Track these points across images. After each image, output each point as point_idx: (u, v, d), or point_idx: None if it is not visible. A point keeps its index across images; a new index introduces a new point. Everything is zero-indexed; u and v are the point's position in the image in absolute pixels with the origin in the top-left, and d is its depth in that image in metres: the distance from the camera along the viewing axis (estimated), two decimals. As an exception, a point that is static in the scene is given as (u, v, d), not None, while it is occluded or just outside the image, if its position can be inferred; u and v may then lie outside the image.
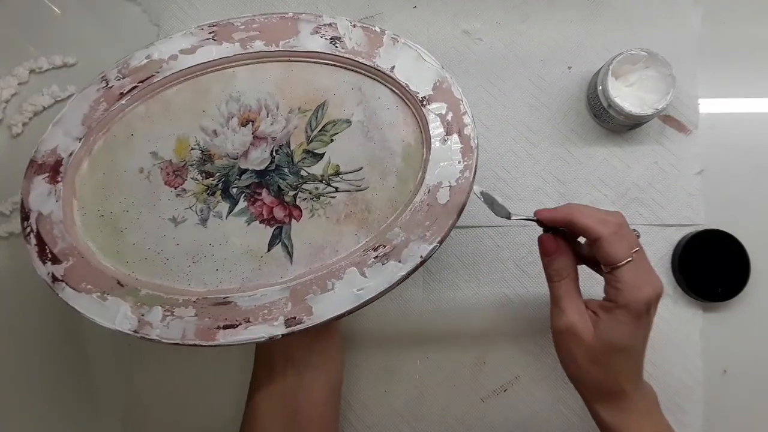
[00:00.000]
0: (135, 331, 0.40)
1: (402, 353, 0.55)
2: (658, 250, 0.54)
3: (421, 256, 0.40)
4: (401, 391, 0.54)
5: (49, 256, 0.41)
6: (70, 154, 0.43)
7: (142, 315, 0.40)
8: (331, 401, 0.44)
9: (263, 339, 0.40)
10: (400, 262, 0.40)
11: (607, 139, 0.56)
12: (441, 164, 0.42)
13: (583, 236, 0.40)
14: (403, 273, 0.40)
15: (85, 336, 0.56)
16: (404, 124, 0.43)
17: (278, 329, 0.40)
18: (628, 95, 0.51)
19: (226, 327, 0.40)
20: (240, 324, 0.40)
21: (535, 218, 0.42)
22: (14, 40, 0.58)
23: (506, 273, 0.55)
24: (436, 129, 0.42)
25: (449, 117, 0.42)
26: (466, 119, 0.42)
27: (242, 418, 0.45)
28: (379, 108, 0.44)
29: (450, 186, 0.41)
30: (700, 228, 0.53)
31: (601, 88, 0.52)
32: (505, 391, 0.53)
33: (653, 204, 0.55)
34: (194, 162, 0.43)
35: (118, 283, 0.41)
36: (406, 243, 0.41)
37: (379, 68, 0.43)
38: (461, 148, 0.42)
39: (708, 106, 0.55)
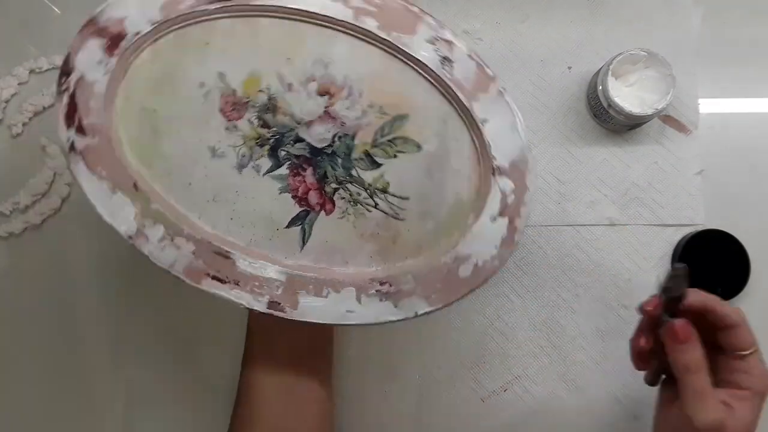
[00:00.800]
0: (129, 237, 0.40)
1: (402, 353, 0.55)
2: (658, 250, 0.55)
3: (416, 313, 0.41)
4: (401, 391, 0.55)
5: (77, 123, 0.40)
6: (137, 33, 0.41)
7: (144, 226, 0.40)
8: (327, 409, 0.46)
9: (242, 306, 0.40)
10: (396, 307, 0.41)
11: (607, 139, 0.57)
12: (480, 239, 0.42)
13: (719, 323, 0.40)
14: (393, 319, 0.41)
15: (85, 336, 0.56)
16: (467, 179, 0.43)
17: (260, 306, 0.40)
18: (628, 95, 0.52)
19: (214, 278, 0.40)
20: (228, 282, 0.40)
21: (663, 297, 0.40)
22: (14, 40, 0.58)
23: (506, 272, 0.56)
24: (493, 203, 0.42)
25: (510, 199, 0.42)
26: (523, 211, 0.42)
27: (237, 395, 0.45)
28: (453, 151, 0.43)
29: (476, 264, 0.41)
30: (700, 228, 0.54)
31: (601, 88, 0.52)
32: (505, 391, 0.54)
33: (653, 204, 0.56)
34: (257, 105, 0.42)
35: (134, 185, 0.40)
36: (410, 293, 0.41)
37: (473, 114, 0.42)
38: (504, 236, 0.42)
39: (708, 106, 0.56)
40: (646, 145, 0.56)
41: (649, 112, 0.51)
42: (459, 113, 0.43)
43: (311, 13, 0.42)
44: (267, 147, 0.42)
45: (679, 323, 0.39)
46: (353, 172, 0.42)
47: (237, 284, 0.40)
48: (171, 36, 0.42)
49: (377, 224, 0.42)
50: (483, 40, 0.58)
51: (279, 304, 0.40)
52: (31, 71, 0.57)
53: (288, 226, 0.42)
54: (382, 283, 0.41)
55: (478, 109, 0.42)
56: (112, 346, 0.57)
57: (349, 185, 0.42)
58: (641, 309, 0.41)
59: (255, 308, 0.40)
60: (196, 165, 0.41)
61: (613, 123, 0.54)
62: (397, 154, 0.43)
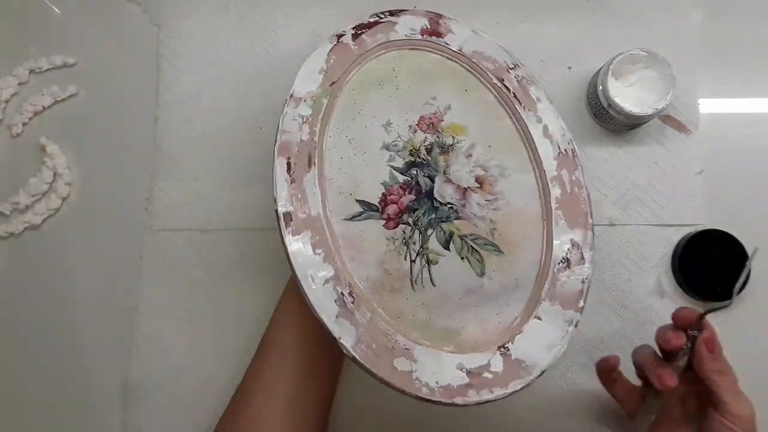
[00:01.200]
0: None
1: None
2: (658, 250, 0.55)
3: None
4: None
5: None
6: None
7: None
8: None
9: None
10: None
11: (607, 139, 0.57)
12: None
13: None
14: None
15: (84, 335, 0.56)
16: (473, 344, 0.43)
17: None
18: (628, 95, 0.52)
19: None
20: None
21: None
22: (14, 40, 0.58)
23: None
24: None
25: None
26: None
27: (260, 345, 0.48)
28: (492, 313, 0.44)
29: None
30: (700, 228, 0.54)
31: (601, 88, 0.52)
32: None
33: (653, 204, 0.56)
34: (441, 140, 0.48)
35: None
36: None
37: (534, 311, 0.43)
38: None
39: (708, 106, 0.56)
40: (646, 145, 0.56)
41: (649, 112, 0.51)
42: (531, 295, 0.44)
43: (536, 149, 0.48)
44: (411, 159, 0.48)
45: (708, 336, 0.40)
46: (429, 231, 0.46)
47: (293, 182, 0.45)
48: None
49: (398, 269, 0.44)
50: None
51: (291, 219, 0.44)
52: (31, 71, 0.57)
53: (358, 201, 0.46)
54: (351, 294, 0.42)
55: (543, 308, 0.43)
56: (112, 346, 0.56)
57: (417, 232, 0.45)
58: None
59: (278, 204, 0.44)
60: (371, 116, 0.49)
61: (613, 123, 0.54)
62: (465, 258, 0.45)
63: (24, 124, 0.56)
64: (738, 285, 0.41)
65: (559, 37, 0.59)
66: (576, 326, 0.43)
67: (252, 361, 0.48)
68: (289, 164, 0.45)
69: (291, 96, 0.47)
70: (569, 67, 0.58)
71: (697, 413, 0.42)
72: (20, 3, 0.59)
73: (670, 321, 0.44)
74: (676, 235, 0.55)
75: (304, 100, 0.47)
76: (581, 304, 0.44)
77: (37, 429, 0.55)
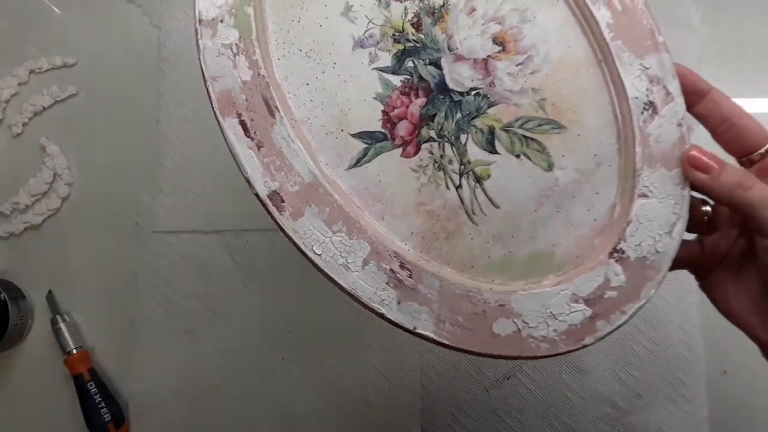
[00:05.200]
0: (200, 21, 0.33)
1: (403, 348, 0.54)
2: None
3: (414, 327, 0.31)
4: (405, 386, 0.53)
5: None
6: None
7: (221, 21, 0.33)
8: None
9: (245, 175, 0.32)
10: (398, 302, 0.31)
11: None
12: (540, 306, 0.32)
13: (691, 90, 0.35)
14: (383, 311, 0.31)
15: (84, 336, 0.56)
16: (574, 239, 0.33)
17: (260, 185, 0.32)
18: None
19: (242, 123, 0.32)
20: (252, 138, 0.32)
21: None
22: (14, 41, 0.59)
23: None
24: (586, 283, 0.32)
25: (609, 295, 0.32)
26: (615, 318, 0.31)
27: None
28: (583, 200, 0.34)
29: (518, 330, 0.31)
30: None
31: None
32: (508, 378, 0.53)
33: None
34: (426, 1, 0.35)
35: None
36: (424, 301, 0.31)
37: (636, 179, 0.33)
38: (573, 327, 0.31)
39: None
40: None
41: None
42: (620, 168, 0.34)
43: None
44: (400, 46, 0.34)
45: (695, 152, 0.33)
46: (462, 138, 0.34)
47: (260, 147, 0.32)
48: None
49: (444, 205, 0.33)
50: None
51: (283, 200, 0.32)
52: (31, 71, 0.58)
53: (354, 136, 0.33)
54: (403, 266, 0.32)
55: (645, 178, 0.33)
56: (112, 347, 0.56)
57: (448, 146, 0.34)
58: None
59: (255, 187, 0.32)
60: (320, 6, 0.34)
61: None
62: (522, 155, 0.34)
63: (24, 125, 0.57)
64: None
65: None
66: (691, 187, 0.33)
67: None
68: (243, 123, 0.32)
69: (200, 21, 0.33)
70: None
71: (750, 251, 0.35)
72: (20, 3, 0.60)
73: (667, 299, 0.44)
74: None
75: (221, 20, 0.33)
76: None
77: (36, 430, 0.55)
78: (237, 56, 0.33)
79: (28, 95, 0.58)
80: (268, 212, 0.32)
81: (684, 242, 0.37)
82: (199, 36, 0.33)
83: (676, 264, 0.36)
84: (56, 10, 0.60)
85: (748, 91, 0.57)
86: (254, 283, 0.55)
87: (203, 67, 0.33)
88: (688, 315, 0.52)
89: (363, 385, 0.53)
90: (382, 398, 0.53)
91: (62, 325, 0.54)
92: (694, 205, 0.35)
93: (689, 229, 0.35)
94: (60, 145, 0.57)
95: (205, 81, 0.33)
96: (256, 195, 0.32)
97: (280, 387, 0.53)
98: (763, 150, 0.34)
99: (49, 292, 0.55)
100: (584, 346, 0.32)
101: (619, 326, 0.32)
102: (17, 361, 0.55)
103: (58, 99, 0.58)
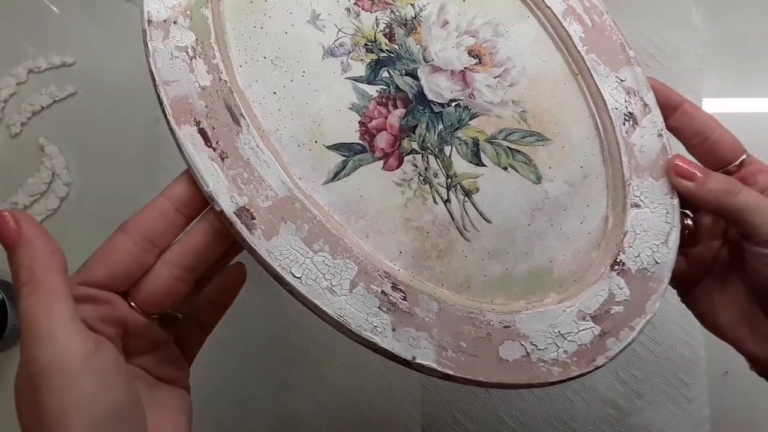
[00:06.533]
0: (148, 22, 0.29)
1: None
2: None
3: (413, 357, 0.27)
4: (405, 387, 0.52)
5: None
6: None
7: (175, 22, 0.29)
8: None
9: (206, 190, 0.27)
10: (393, 329, 0.27)
11: None
12: (547, 327, 0.29)
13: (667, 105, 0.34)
14: (377, 340, 0.27)
15: None
16: (573, 253, 0.31)
17: (226, 201, 0.27)
18: None
19: (203, 133, 0.28)
20: (216, 150, 0.28)
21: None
22: (13, 40, 0.60)
23: None
24: (591, 299, 0.29)
25: (616, 310, 0.29)
26: (624, 336, 0.29)
27: None
28: (575, 212, 0.32)
29: (527, 354, 0.28)
30: None
31: None
32: None
33: None
34: (397, 13, 0.33)
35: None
36: (422, 326, 0.27)
37: (626, 191, 0.32)
38: (584, 347, 0.28)
39: (711, 105, 0.55)
40: None
41: None
42: (607, 179, 0.33)
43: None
44: (374, 56, 0.32)
45: (678, 162, 0.32)
46: (446, 150, 0.31)
47: (224, 158, 0.28)
48: None
49: (433, 221, 0.30)
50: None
51: (253, 217, 0.27)
52: (30, 71, 0.58)
53: (330, 147, 0.30)
54: (395, 287, 0.28)
55: (635, 188, 0.32)
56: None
57: (431, 157, 0.31)
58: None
59: (219, 203, 0.27)
60: (285, 13, 0.32)
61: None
62: (509, 168, 0.32)
63: (22, 124, 0.57)
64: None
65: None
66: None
67: None
68: (202, 131, 0.28)
69: (149, 22, 0.29)
70: None
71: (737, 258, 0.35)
72: (19, 3, 0.60)
73: (667, 297, 0.37)
74: None
75: (174, 22, 0.29)
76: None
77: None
78: (194, 59, 0.29)
79: (27, 95, 0.58)
80: (235, 231, 0.27)
81: None
82: (147, 38, 0.29)
83: None
84: (55, 9, 0.60)
85: (748, 91, 0.57)
86: (254, 282, 0.50)
87: (153, 70, 0.28)
88: (690, 315, 0.52)
89: (363, 386, 0.52)
90: (382, 399, 0.52)
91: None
92: None
93: None
94: (59, 144, 0.57)
95: (155, 86, 0.28)
96: (221, 212, 0.27)
97: (279, 388, 0.51)
98: (738, 162, 0.34)
99: None
100: (597, 368, 0.29)
101: (629, 344, 0.30)
102: (16, 362, 0.47)
103: (57, 99, 0.58)
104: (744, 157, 0.34)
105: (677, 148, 0.36)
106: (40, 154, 0.57)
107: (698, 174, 0.32)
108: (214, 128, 0.28)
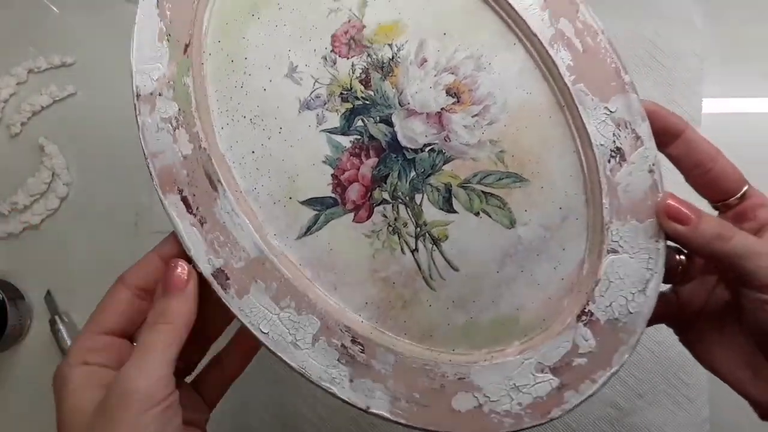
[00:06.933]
0: (140, 92, 0.33)
1: None
2: None
3: (367, 407, 0.30)
4: None
5: None
6: None
7: (162, 90, 0.33)
8: None
9: (189, 251, 0.31)
10: (350, 380, 0.30)
11: None
12: (503, 378, 0.30)
13: (669, 132, 0.32)
14: (334, 390, 0.30)
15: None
16: (541, 301, 0.32)
17: (204, 263, 0.31)
18: None
19: (183, 197, 0.32)
20: (194, 214, 0.31)
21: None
22: (13, 40, 0.60)
23: None
24: (552, 350, 0.30)
25: (578, 362, 0.30)
26: (584, 388, 0.29)
27: None
28: (549, 258, 0.32)
29: (479, 405, 0.30)
30: None
31: None
32: None
33: None
34: (374, 57, 0.34)
35: (188, 42, 0.33)
36: (377, 377, 0.30)
37: (605, 234, 0.31)
38: (539, 399, 0.29)
39: (712, 105, 0.55)
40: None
41: None
42: (589, 220, 0.32)
43: (509, 5, 0.33)
44: (348, 105, 0.33)
45: (671, 203, 0.30)
46: (417, 198, 0.32)
47: (203, 223, 0.31)
48: None
49: (400, 272, 0.32)
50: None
51: (228, 278, 0.31)
52: (30, 71, 0.59)
53: (303, 203, 0.32)
54: (355, 341, 0.30)
55: (614, 232, 0.31)
56: None
57: (402, 207, 0.32)
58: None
59: (198, 266, 0.31)
60: (264, 69, 0.33)
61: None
62: (481, 213, 0.32)
63: (22, 124, 0.58)
64: None
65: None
66: (666, 237, 0.31)
67: None
68: (185, 199, 0.31)
69: (137, 97, 0.32)
70: None
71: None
72: (19, 2, 0.60)
73: None
74: None
75: (159, 94, 0.32)
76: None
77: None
78: (177, 130, 0.32)
79: (27, 95, 0.58)
80: (214, 290, 0.31)
81: (659, 294, 0.34)
82: (137, 113, 0.33)
83: (652, 319, 0.34)
84: (55, 9, 0.60)
85: (748, 91, 0.57)
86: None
87: (143, 144, 0.32)
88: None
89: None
90: None
91: (61, 326, 0.54)
92: (668, 255, 0.32)
93: (663, 280, 0.33)
94: (58, 144, 0.57)
95: (145, 159, 0.32)
96: (200, 275, 0.31)
97: (279, 387, 0.52)
98: (739, 194, 0.31)
99: (48, 292, 0.55)
100: (551, 420, 0.30)
101: (589, 396, 0.30)
102: (16, 362, 0.55)
103: (57, 98, 0.58)
104: (746, 188, 0.31)
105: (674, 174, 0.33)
106: (40, 154, 0.57)
107: (692, 217, 0.30)
108: (194, 195, 0.32)
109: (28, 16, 0.60)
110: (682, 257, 0.32)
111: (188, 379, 0.36)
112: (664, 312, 0.34)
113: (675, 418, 0.49)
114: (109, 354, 0.31)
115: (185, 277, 0.31)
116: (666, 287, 0.34)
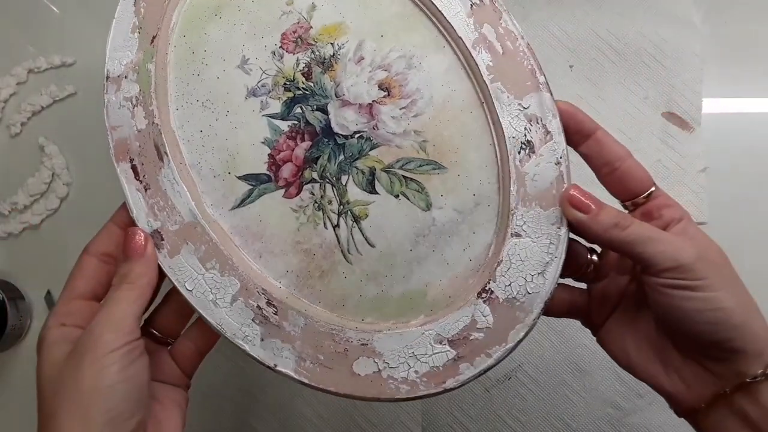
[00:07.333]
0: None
1: None
2: None
3: (274, 365, 0.32)
4: None
5: None
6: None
7: (127, 74, 0.37)
8: None
9: (131, 210, 0.34)
10: (261, 339, 0.32)
11: None
12: (402, 346, 0.32)
13: (580, 132, 0.34)
14: (246, 348, 0.32)
15: None
16: (448, 279, 0.33)
17: (143, 221, 0.34)
18: None
19: (133, 166, 0.35)
20: (143, 182, 0.35)
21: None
22: (13, 40, 0.60)
23: None
24: (451, 323, 0.32)
25: (476, 336, 0.31)
26: (480, 362, 0.31)
27: None
28: (459, 239, 0.34)
29: (379, 371, 0.31)
30: (703, 226, 0.53)
31: None
32: (509, 379, 0.53)
33: None
34: (317, 53, 0.37)
35: (156, 35, 0.37)
36: (286, 338, 0.32)
37: (510, 219, 0.33)
38: (435, 368, 0.31)
39: (712, 104, 0.56)
40: (649, 143, 0.55)
41: None
42: (499, 207, 0.34)
43: (440, 12, 0.36)
44: (290, 94, 0.37)
45: (573, 193, 0.32)
46: (343, 179, 0.35)
47: (147, 189, 0.35)
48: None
49: (321, 244, 0.34)
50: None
51: (162, 238, 0.34)
52: (30, 71, 0.59)
53: (240, 178, 0.36)
54: (270, 303, 0.33)
55: (519, 217, 0.33)
56: None
57: (329, 186, 0.35)
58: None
59: (139, 223, 0.34)
60: (219, 60, 0.37)
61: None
62: (401, 195, 0.34)
63: (22, 124, 0.58)
64: None
65: (561, 35, 0.58)
66: (568, 225, 0.33)
67: None
68: (134, 167, 0.35)
69: (107, 78, 0.36)
70: (571, 66, 0.57)
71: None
72: (19, 3, 0.60)
73: None
74: None
75: (125, 76, 0.36)
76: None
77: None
78: (136, 107, 0.36)
79: (27, 95, 0.58)
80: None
81: (571, 290, 0.36)
82: (105, 91, 0.37)
83: (563, 312, 0.35)
84: (55, 9, 0.60)
85: (748, 91, 0.57)
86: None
87: (106, 118, 0.36)
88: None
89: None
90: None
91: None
92: (579, 253, 0.34)
93: (576, 278, 0.34)
94: (59, 144, 0.57)
95: (106, 131, 0.36)
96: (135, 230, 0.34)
97: (279, 387, 0.53)
98: (646, 194, 0.33)
99: (48, 292, 0.55)
100: (446, 390, 0.31)
101: (484, 371, 0.31)
102: (16, 362, 0.55)
103: (57, 99, 0.58)
104: (652, 189, 0.33)
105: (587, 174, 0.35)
106: (40, 154, 0.57)
107: (592, 206, 0.32)
108: (143, 164, 0.35)
109: (28, 16, 0.60)
110: (594, 257, 0.34)
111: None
112: (576, 307, 0.35)
113: (675, 418, 0.49)
114: (83, 315, 0.33)
115: (143, 243, 0.34)
116: (583, 286, 0.36)
